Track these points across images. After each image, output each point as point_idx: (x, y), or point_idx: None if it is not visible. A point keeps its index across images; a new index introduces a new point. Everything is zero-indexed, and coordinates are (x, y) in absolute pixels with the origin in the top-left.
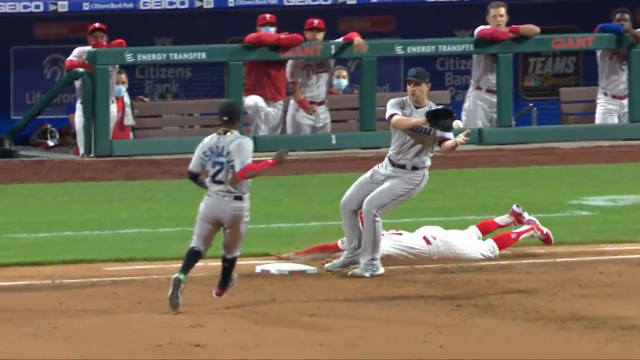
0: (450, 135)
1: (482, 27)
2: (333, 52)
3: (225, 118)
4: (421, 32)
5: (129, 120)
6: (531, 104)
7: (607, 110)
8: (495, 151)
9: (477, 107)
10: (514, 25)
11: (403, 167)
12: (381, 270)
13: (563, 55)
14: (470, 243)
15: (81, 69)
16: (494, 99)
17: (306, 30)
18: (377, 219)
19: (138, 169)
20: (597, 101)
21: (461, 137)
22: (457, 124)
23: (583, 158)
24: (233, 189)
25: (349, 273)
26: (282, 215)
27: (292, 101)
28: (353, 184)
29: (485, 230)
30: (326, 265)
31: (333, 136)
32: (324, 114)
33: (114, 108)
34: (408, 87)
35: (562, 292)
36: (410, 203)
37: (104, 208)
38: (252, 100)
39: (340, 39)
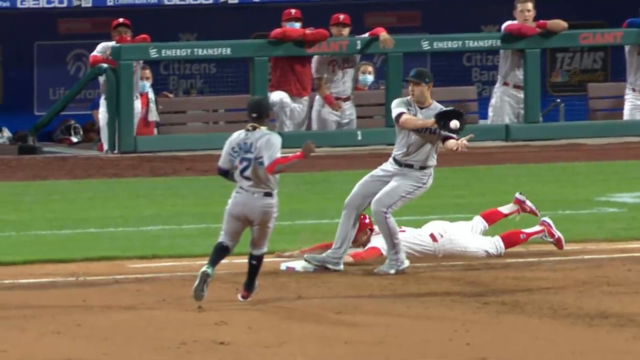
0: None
1: (509, 22)
2: (359, 47)
3: (254, 115)
4: (448, 28)
5: (153, 116)
6: (558, 100)
7: (636, 106)
8: (522, 147)
9: (504, 103)
10: (541, 20)
11: (411, 166)
12: (406, 263)
13: (591, 51)
14: (475, 240)
15: (105, 65)
16: (521, 95)
17: (332, 25)
18: (388, 215)
19: (162, 166)
20: (625, 97)
21: (464, 142)
22: (454, 124)
23: (611, 154)
24: (262, 185)
25: (375, 270)
26: (307, 212)
27: (317, 97)
28: (358, 182)
29: (490, 220)
30: (306, 255)
31: (359, 132)
32: (349, 110)
33: (138, 104)
34: (409, 87)
35: (589, 289)
36: (437, 200)
37: (128, 205)
38: (277, 96)
39: (366, 34)
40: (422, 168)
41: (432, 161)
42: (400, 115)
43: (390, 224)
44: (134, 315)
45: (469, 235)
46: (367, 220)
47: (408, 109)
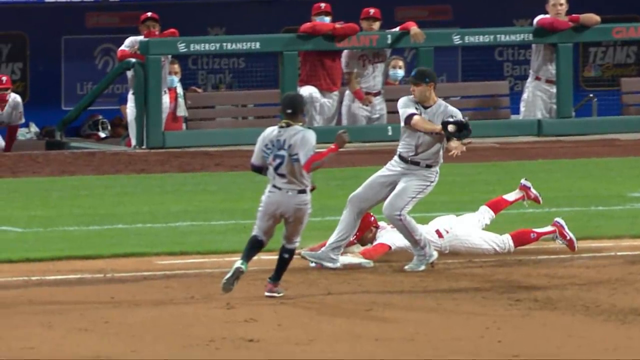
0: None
1: (541, 16)
2: (389, 41)
3: (289, 111)
4: (479, 22)
5: (181, 111)
6: (591, 95)
7: None
8: (554, 143)
9: (536, 98)
10: (574, 14)
11: (417, 164)
12: (434, 255)
13: (624, 45)
14: (483, 236)
15: (133, 59)
16: (554, 90)
17: (362, 19)
18: (402, 217)
19: (191, 161)
20: None
21: (462, 147)
22: (452, 127)
23: None
24: (296, 183)
25: (405, 268)
26: (338, 208)
27: (347, 92)
28: (366, 180)
29: (497, 208)
30: (303, 252)
31: (389, 127)
32: (380, 105)
33: (166, 99)
34: (410, 87)
35: (623, 286)
36: (468, 196)
37: (156, 201)
38: (306, 91)
39: (397, 29)
40: (429, 166)
41: (439, 160)
42: (411, 116)
43: (408, 224)
44: (162, 312)
45: (476, 232)
46: (372, 219)
47: (415, 108)
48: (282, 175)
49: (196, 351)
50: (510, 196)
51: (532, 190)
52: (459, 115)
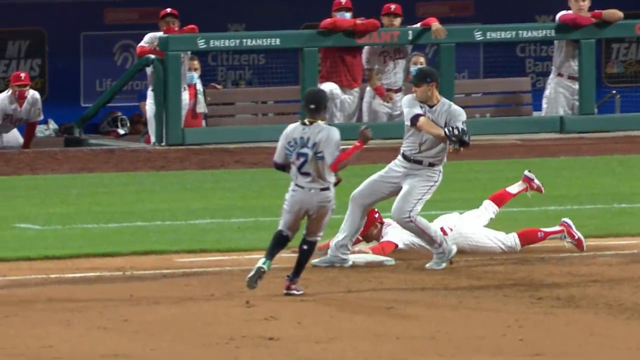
0: (462, 126)
1: (563, 12)
2: (410, 38)
3: (312, 106)
4: (501, 17)
5: (201, 108)
6: (614, 91)
7: None
8: (577, 140)
9: (559, 95)
10: (596, 10)
11: (419, 162)
12: (453, 249)
13: None
14: (488, 234)
15: (152, 56)
16: (576, 86)
17: (383, 15)
18: (412, 219)
19: (210, 158)
20: None
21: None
22: (448, 130)
23: None
24: (320, 180)
25: (426, 266)
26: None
27: (368, 88)
28: (368, 178)
29: (500, 201)
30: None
31: None
32: (401, 102)
33: (185, 95)
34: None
35: None
36: (489, 193)
37: (176, 198)
38: (327, 87)
39: (418, 25)
40: (431, 165)
41: (442, 159)
42: (417, 117)
43: (419, 224)
44: (182, 310)
45: (481, 230)
46: (376, 215)
47: (420, 107)
48: (306, 174)
49: (216, 350)
50: (514, 188)
51: (535, 180)
52: (462, 115)
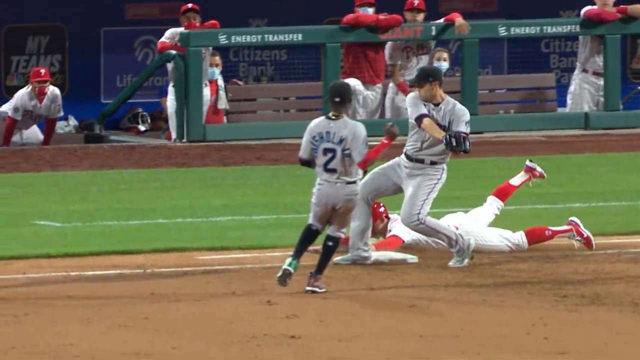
0: (462, 128)
1: (588, 7)
2: (434, 33)
3: (337, 99)
4: (525, 13)
5: (222, 104)
6: (639, 87)
7: None
8: (602, 136)
9: (583, 91)
10: (621, 6)
11: (421, 161)
12: (472, 243)
13: None
14: (494, 233)
15: (173, 51)
16: (601, 82)
17: (406, 10)
18: (422, 220)
19: (232, 155)
20: None
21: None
22: (453, 142)
23: None
24: (347, 175)
25: (449, 264)
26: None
27: (391, 84)
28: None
29: (504, 195)
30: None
31: None
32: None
33: (207, 91)
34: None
35: None
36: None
37: (197, 195)
38: (349, 83)
39: (442, 20)
40: (433, 163)
41: (445, 158)
42: (421, 118)
43: (430, 224)
44: (203, 308)
45: (488, 228)
46: (381, 209)
47: (424, 105)
48: (332, 171)
49: (237, 348)
50: (517, 180)
51: (537, 168)
52: (465, 116)
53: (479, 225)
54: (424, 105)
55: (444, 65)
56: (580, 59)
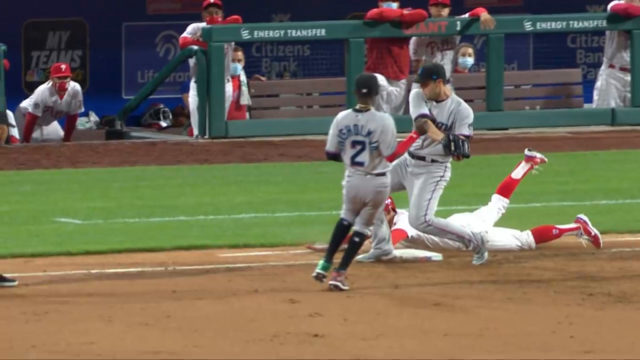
0: (465, 131)
1: (615, 1)
2: (459, 28)
3: (364, 90)
4: (551, 7)
5: (245, 99)
6: None
7: None
8: (628, 132)
9: (610, 86)
10: None
11: (422, 159)
12: (483, 233)
13: None
14: (501, 232)
15: (195, 47)
16: (628, 78)
17: (430, 5)
18: (429, 222)
19: (254, 151)
20: None
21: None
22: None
23: None
24: (376, 168)
25: (473, 262)
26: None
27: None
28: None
29: (508, 191)
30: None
31: None
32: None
33: (229, 87)
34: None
35: None
36: (540, 187)
37: (219, 192)
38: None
39: (466, 15)
40: (434, 161)
41: (446, 157)
42: (421, 117)
43: (438, 225)
44: (225, 306)
45: (494, 228)
46: (387, 201)
47: (425, 103)
48: (359, 164)
49: (259, 346)
50: (519, 173)
51: (537, 155)
52: (469, 118)
53: (486, 225)
54: (426, 103)
55: (469, 60)
56: (607, 54)
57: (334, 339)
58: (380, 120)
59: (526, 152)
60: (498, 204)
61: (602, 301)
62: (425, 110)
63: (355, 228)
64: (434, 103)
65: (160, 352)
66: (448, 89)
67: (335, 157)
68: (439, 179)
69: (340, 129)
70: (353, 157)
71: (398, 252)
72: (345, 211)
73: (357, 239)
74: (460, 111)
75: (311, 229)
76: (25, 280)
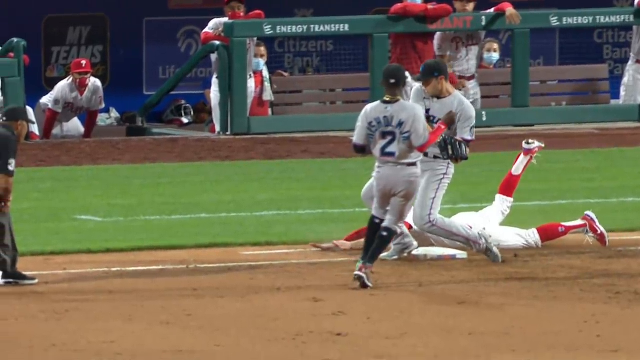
0: (467, 135)
1: None
2: (484, 23)
3: (392, 81)
4: (578, 2)
5: (267, 95)
6: None
7: None
8: None
9: (637, 82)
10: None
11: (425, 155)
12: (486, 233)
13: None
14: (507, 231)
15: (217, 42)
16: None
17: (455, 0)
18: (433, 222)
19: (277, 148)
20: None
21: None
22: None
23: None
24: (407, 158)
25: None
26: None
27: None
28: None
29: (510, 189)
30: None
31: (483, 113)
32: (474, 89)
33: (251, 83)
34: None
35: None
36: (566, 184)
37: (241, 189)
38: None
39: (492, 10)
40: (436, 158)
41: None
42: None
43: (442, 225)
44: (247, 304)
45: (500, 228)
46: None
47: (424, 99)
48: (390, 154)
49: (282, 345)
50: (518, 168)
51: (535, 144)
52: (471, 119)
53: (491, 224)
54: (424, 98)
55: (495, 56)
56: (634, 49)
57: (357, 338)
58: (412, 110)
59: (524, 145)
60: (502, 206)
61: (628, 299)
62: (422, 110)
63: (385, 223)
64: (436, 99)
65: (181, 351)
66: (451, 86)
67: (363, 149)
68: (442, 176)
69: (369, 122)
70: (383, 148)
71: (422, 250)
72: (375, 208)
73: (385, 234)
74: (463, 112)
75: (334, 227)
76: (45, 278)
